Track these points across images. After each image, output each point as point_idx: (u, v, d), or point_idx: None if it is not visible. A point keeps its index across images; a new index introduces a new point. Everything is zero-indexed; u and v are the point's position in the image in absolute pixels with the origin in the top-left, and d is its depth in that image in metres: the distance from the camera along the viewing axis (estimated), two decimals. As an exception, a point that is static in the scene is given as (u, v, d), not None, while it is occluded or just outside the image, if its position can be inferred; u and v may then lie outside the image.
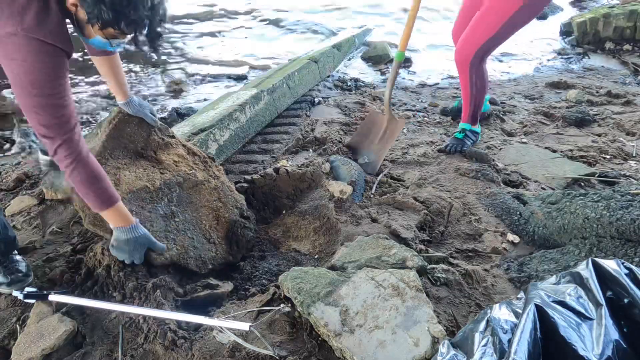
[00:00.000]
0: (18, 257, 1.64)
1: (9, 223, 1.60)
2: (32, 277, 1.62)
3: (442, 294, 1.44)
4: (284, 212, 2.06)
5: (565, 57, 4.26)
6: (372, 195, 2.05)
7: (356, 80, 3.76)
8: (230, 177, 2.29)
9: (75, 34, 1.29)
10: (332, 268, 1.49)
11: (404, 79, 3.85)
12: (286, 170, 2.10)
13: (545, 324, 0.85)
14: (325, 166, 2.14)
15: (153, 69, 4.02)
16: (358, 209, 1.91)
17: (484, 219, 1.87)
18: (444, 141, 2.56)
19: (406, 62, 4.18)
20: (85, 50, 1.57)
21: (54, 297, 1.45)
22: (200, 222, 1.74)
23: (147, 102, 1.82)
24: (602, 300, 0.86)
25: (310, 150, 2.55)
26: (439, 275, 1.49)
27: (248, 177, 2.13)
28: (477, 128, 2.54)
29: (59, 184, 2.05)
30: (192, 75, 3.93)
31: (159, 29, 1.26)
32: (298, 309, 1.30)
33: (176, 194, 1.73)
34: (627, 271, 0.89)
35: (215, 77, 3.90)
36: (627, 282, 0.86)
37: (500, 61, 4.25)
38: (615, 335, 0.82)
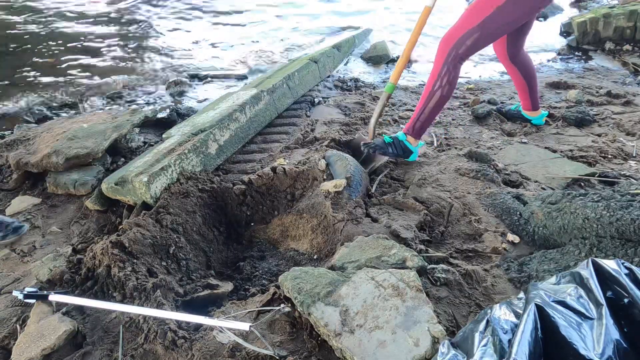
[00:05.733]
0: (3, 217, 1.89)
1: None
2: (27, 227, 1.91)
3: (442, 294, 1.44)
4: (282, 211, 2.05)
5: (565, 57, 4.26)
6: (372, 195, 2.05)
7: (356, 80, 3.76)
8: (230, 176, 2.29)
9: None
10: (332, 268, 1.49)
11: (404, 78, 3.85)
12: (283, 169, 2.09)
13: (545, 324, 0.85)
14: (321, 163, 2.08)
15: (153, 68, 4.03)
16: (357, 208, 1.91)
17: (484, 219, 1.87)
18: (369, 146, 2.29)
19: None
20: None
21: (54, 297, 1.46)
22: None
23: None
24: (603, 300, 0.86)
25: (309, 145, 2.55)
26: (439, 275, 1.49)
27: (245, 177, 2.11)
28: (413, 146, 2.22)
29: None
30: (193, 75, 3.93)
31: None
32: (298, 309, 1.30)
33: None
34: (627, 271, 0.89)
35: (216, 77, 3.90)
36: (627, 282, 0.86)
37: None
38: (615, 334, 0.82)
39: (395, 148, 2.21)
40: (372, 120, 2.31)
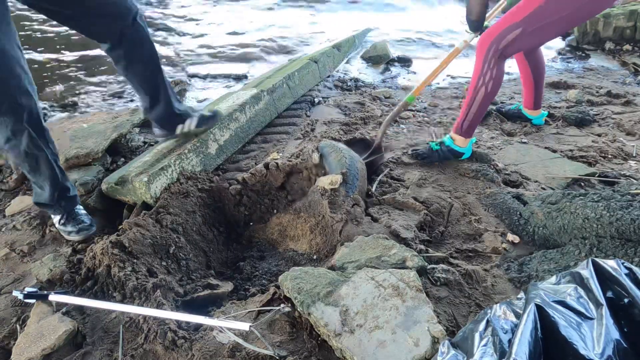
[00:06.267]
0: (82, 212, 1.91)
1: (68, 185, 1.86)
2: (96, 228, 1.90)
3: (442, 294, 1.44)
4: (281, 209, 2.05)
5: (565, 57, 4.26)
6: (372, 195, 2.05)
7: (356, 80, 3.76)
8: (228, 175, 2.29)
9: None
10: (332, 268, 1.49)
11: (404, 78, 3.85)
12: (276, 164, 2.07)
13: (545, 324, 0.85)
14: (314, 157, 2.05)
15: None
16: (356, 207, 1.90)
17: (484, 219, 1.87)
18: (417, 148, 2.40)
19: (406, 62, 4.19)
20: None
21: (54, 297, 1.46)
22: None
23: None
24: (603, 300, 0.86)
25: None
26: (439, 275, 1.49)
27: (239, 177, 2.09)
28: (463, 146, 2.23)
29: None
30: (192, 75, 3.93)
31: None
32: (298, 309, 1.30)
33: None
34: (627, 271, 0.89)
35: (215, 77, 3.90)
36: (627, 282, 0.86)
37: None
38: (615, 334, 0.82)
39: (442, 153, 2.27)
40: (385, 122, 2.39)
